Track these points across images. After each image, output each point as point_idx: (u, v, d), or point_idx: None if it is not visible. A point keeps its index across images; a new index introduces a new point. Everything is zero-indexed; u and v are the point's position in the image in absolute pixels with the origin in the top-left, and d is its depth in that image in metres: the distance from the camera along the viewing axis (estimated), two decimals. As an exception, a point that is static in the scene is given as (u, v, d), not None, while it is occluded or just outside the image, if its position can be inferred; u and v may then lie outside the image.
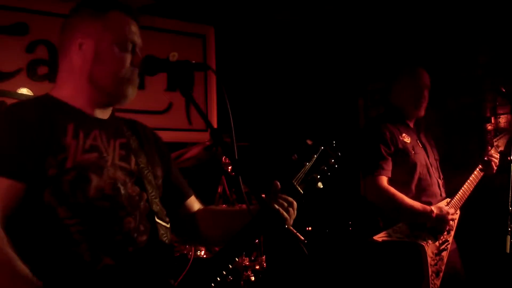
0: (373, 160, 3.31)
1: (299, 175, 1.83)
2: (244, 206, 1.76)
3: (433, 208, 3.29)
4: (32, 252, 1.60)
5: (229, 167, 3.73)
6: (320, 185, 1.85)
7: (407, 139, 3.40)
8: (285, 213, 1.75)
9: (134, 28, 1.81)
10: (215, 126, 4.86)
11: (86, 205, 1.62)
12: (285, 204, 1.77)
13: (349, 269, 4.82)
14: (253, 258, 3.68)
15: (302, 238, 2.63)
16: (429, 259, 3.23)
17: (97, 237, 1.61)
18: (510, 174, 3.22)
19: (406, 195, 3.29)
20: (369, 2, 4.94)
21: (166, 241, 1.77)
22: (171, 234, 1.85)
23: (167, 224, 1.81)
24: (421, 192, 3.35)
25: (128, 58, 1.76)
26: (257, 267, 3.66)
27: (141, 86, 2.30)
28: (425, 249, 3.23)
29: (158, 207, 1.79)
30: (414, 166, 3.35)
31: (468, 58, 5.05)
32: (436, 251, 3.30)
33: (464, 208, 3.48)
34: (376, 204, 3.34)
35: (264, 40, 5.38)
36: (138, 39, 1.81)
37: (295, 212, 1.80)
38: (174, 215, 1.93)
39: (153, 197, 1.78)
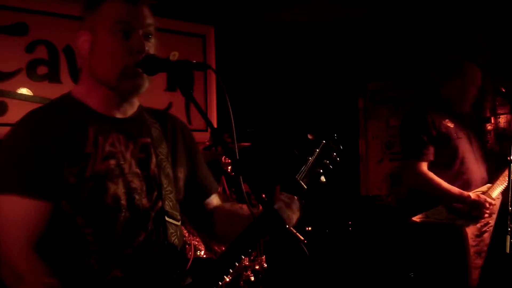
0: (415, 146, 3.40)
1: (302, 170, 1.79)
2: (245, 206, 1.74)
3: (470, 194, 3.34)
4: (49, 256, 1.60)
5: (229, 167, 3.73)
6: (323, 179, 1.82)
7: (450, 124, 3.46)
8: (285, 213, 1.70)
9: (132, 11, 1.67)
10: (215, 126, 4.86)
11: (101, 215, 1.61)
12: (286, 202, 1.72)
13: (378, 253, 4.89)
14: (253, 258, 3.68)
15: (302, 238, 2.63)
16: (470, 240, 3.32)
17: (108, 248, 1.61)
18: (510, 174, 3.22)
19: (446, 177, 3.35)
20: (369, 2, 4.94)
21: (175, 240, 1.75)
22: (182, 232, 1.82)
23: (178, 222, 1.79)
24: (461, 175, 3.40)
25: (122, 43, 1.65)
26: (257, 267, 3.66)
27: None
28: (465, 229, 3.32)
29: (171, 203, 1.76)
30: (456, 149, 3.41)
31: (468, 58, 5.05)
32: (478, 232, 3.37)
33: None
34: (412, 187, 3.43)
35: (264, 40, 5.38)
36: (137, 22, 1.66)
37: (299, 210, 1.75)
38: (193, 210, 1.93)
39: (167, 192, 1.75)
